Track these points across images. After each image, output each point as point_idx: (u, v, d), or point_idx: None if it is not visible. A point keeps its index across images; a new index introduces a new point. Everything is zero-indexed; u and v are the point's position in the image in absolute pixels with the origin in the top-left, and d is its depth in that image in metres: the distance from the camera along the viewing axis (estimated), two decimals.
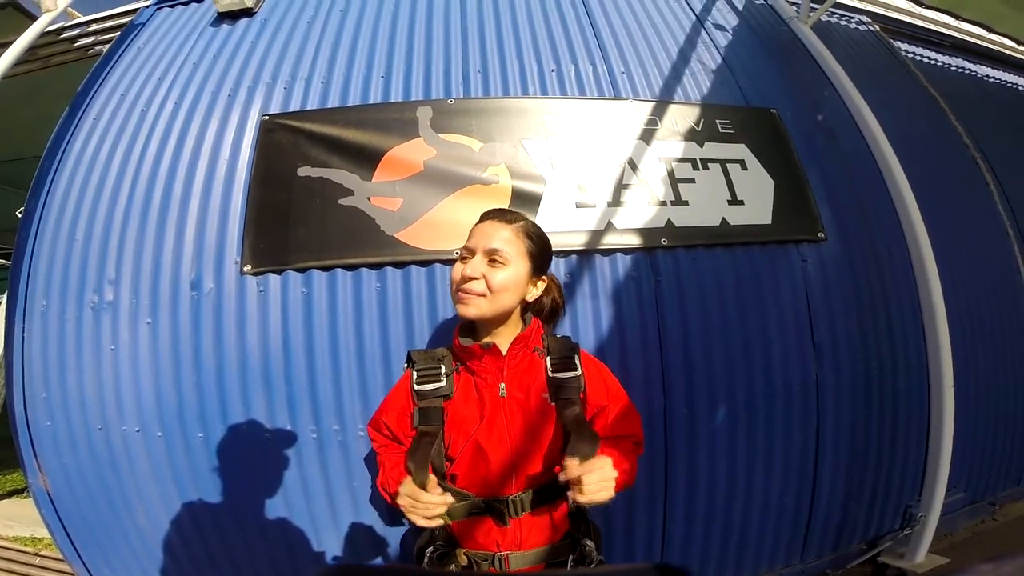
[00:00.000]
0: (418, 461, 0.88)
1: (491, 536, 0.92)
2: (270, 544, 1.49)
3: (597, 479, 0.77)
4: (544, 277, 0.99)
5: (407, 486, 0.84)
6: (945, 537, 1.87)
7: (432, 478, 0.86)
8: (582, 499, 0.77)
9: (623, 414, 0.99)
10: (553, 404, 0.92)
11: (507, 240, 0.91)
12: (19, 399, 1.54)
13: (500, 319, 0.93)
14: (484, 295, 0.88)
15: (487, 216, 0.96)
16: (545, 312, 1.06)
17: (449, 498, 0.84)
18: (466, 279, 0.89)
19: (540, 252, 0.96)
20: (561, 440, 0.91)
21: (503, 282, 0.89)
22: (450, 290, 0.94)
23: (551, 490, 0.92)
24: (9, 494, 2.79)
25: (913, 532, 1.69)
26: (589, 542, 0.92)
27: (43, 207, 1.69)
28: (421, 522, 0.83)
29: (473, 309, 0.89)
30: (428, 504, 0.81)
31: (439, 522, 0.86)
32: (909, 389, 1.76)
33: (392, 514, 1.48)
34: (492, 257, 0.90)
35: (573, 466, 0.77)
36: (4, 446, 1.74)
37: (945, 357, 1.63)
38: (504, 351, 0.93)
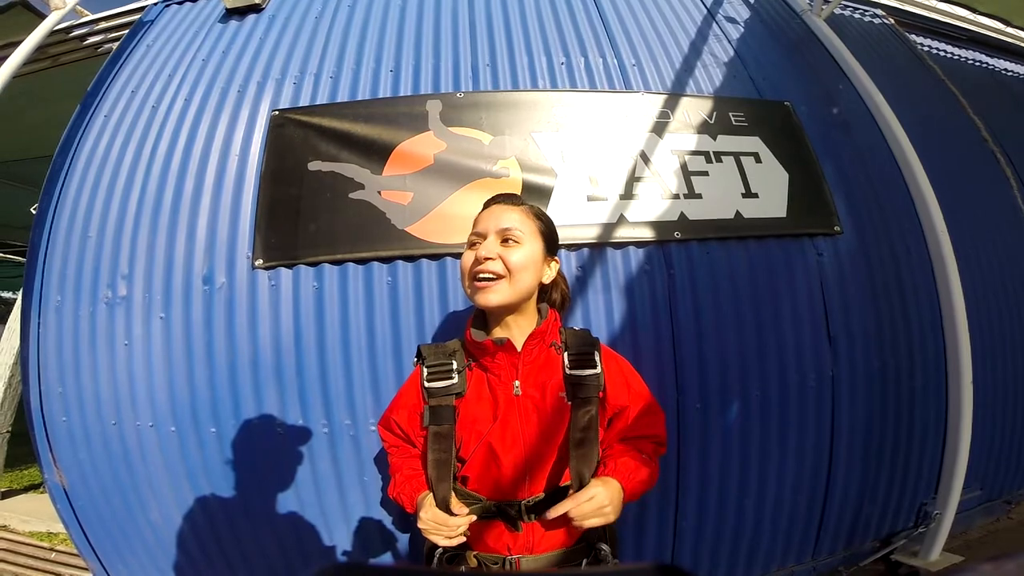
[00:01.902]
0: (439, 474, 0.86)
1: (502, 540, 0.89)
2: (282, 539, 1.49)
3: (588, 509, 0.79)
4: (556, 259, 0.96)
5: (429, 511, 0.82)
6: (960, 535, 1.85)
7: (454, 496, 0.85)
8: (577, 524, 0.79)
9: (644, 413, 0.95)
10: (570, 403, 0.88)
11: (518, 220, 0.88)
12: (35, 395, 1.55)
13: (517, 306, 0.89)
14: (504, 276, 0.84)
15: (492, 202, 0.93)
16: (556, 305, 1.01)
17: (473, 517, 0.83)
18: (481, 260, 0.84)
19: (550, 231, 0.93)
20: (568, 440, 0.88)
21: (521, 261, 0.85)
22: (462, 281, 0.90)
23: (566, 493, 0.87)
24: (25, 489, 2.82)
25: (928, 530, 1.66)
26: (604, 546, 0.88)
27: (56, 204, 1.70)
28: (443, 543, 0.81)
29: (495, 295, 0.84)
30: (452, 527, 0.80)
31: (462, 539, 0.83)
32: (926, 385, 1.73)
33: (403, 511, 1.47)
34: (506, 236, 0.86)
35: (567, 500, 0.80)
36: (20, 442, 1.75)
37: (964, 353, 1.60)
38: (519, 346, 0.88)
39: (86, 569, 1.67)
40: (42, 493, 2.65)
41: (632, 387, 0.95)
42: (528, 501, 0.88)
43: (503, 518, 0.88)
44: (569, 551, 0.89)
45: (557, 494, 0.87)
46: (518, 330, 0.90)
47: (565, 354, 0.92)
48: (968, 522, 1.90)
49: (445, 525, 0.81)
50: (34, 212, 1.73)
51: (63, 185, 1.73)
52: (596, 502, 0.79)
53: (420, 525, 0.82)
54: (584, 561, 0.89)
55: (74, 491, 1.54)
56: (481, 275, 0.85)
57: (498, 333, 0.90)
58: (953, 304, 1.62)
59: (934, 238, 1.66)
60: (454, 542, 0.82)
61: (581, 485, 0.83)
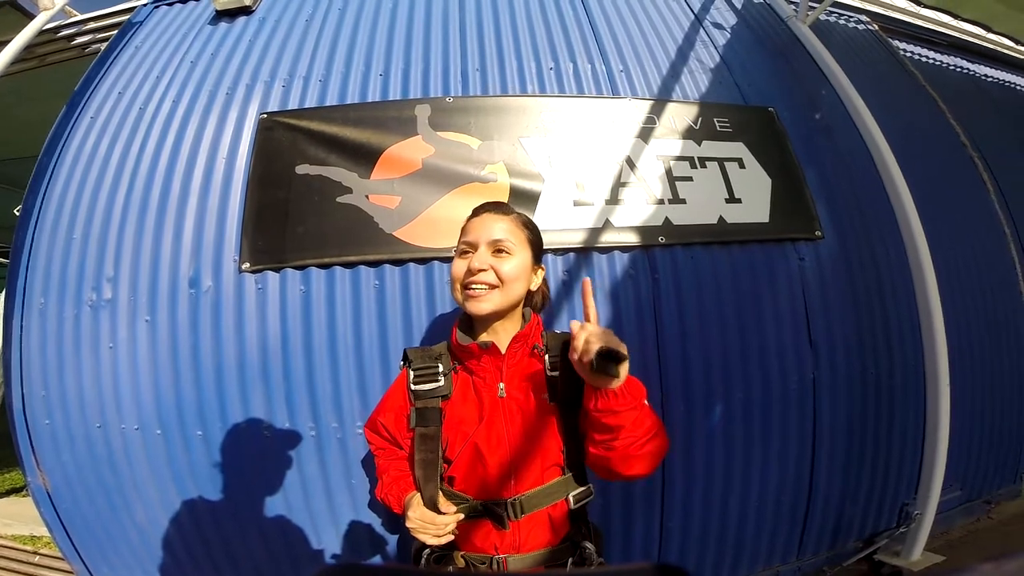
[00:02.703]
0: (426, 474, 0.87)
1: (489, 539, 0.90)
2: (269, 541, 1.49)
3: (595, 330, 0.73)
4: (543, 266, 0.98)
5: (417, 510, 0.84)
6: (941, 535, 1.88)
7: (441, 495, 0.87)
8: (578, 347, 0.73)
9: None
10: (553, 404, 0.90)
11: (508, 230, 0.90)
12: (18, 397, 1.54)
13: (506, 313, 0.91)
14: (497, 286, 0.87)
15: (481, 210, 0.94)
16: (538, 307, 1.03)
17: (460, 515, 0.85)
18: (474, 272, 0.86)
19: (537, 240, 0.96)
20: (561, 441, 0.89)
21: (512, 271, 0.88)
22: (451, 288, 0.92)
23: (551, 491, 0.90)
24: (8, 492, 2.78)
25: (909, 530, 1.69)
26: (589, 544, 0.90)
27: (41, 205, 1.69)
28: (432, 541, 0.82)
29: (487, 304, 0.86)
30: (440, 525, 0.82)
31: (450, 538, 0.84)
32: (905, 387, 1.77)
33: (391, 513, 1.48)
34: (497, 247, 0.88)
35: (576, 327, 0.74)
36: (3, 444, 1.73)
37: (941, 355, 1.64)
38: (503, 349, 0.90)
39: (70, 572, 1.65)
40: (24, 496, 2.62)
41: None
42: (522, 496, 0.88)
43: (490, 517, 0.90)
44: (555, 550, 0.90)
45: (556, 484, 0.89)
46: (504, 334, 0.92)
47: (546, 356, 0.93)
48: (949, 522, 1.94)
49: (433, 523, 0.82)
50: (18, 213, 1.71)
51: (48, 186, 1.71)
52: (598, 327, 0.74)
53: (409, 524, 0.84)
54: (569, 560, 0.90)
55: (58, 494, 1.53)
56: (474, 286, 0.86)
57: (483, 337, 0.92)
58: (930, 307, 1.65)
59: (912, 243, 1.70)
60: (443, 540, 0.83)
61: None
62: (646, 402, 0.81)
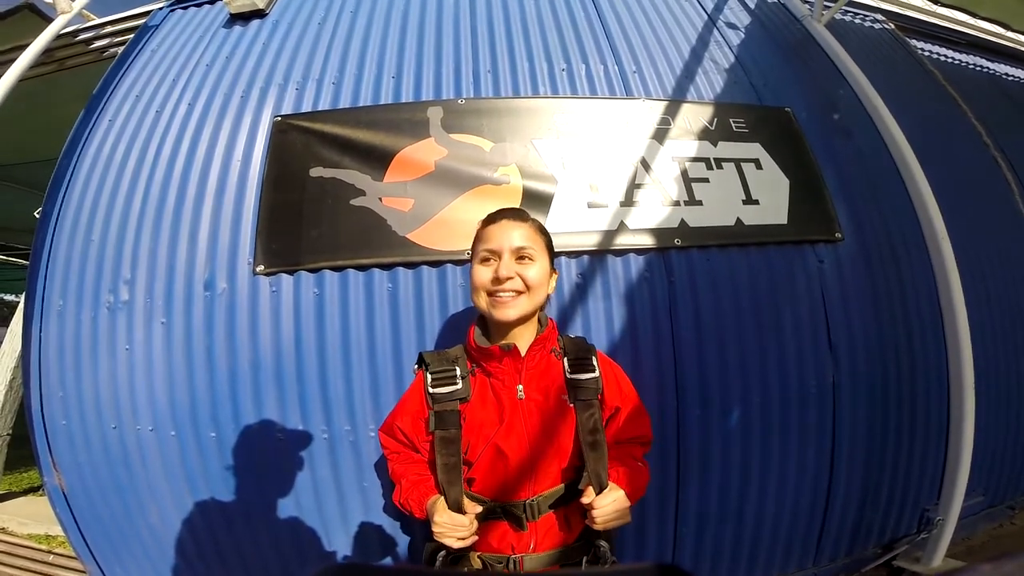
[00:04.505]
0: (450, 478, 0.88)
1: (506, 539, 0.92)
2: (280, 544, 1.49)
3: (612, 511, 0.84)
4: (555, 271, 1.00)
5: (444, 514, 0.85)
6: (963, 541, 1.84)
7: (465, 497, 0.88)
8: (596, 527, 0.85)
9: (633, 415, 1.00)
10: (572, 406, 0.92)
11: (529, 237, 0.92)
12: (36, 398, 1.56)
13: (528, 318, 0.93)
14: (523, 292, 0.89)
15: (499, 216, 0.95)
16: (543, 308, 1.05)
17: (478, 508, 0.87)
18: (502, 280, 0.88)
19: (551, 245, 0.98)
20: (579, 442, 0.91)
21: (538, 277, 0.90)
22: (473, 295, 0.92)
23: (568, 492, 0.92)
24: (24, 492, 2.82)
25: (930, 536, 1.66)
26: (603, 543, 0.92)
27: (60, 208, 1.71)
28: (457, 544, 0.83)
29: (514, 310, 0.88)
30: (466, 527, 0.83)
31: (474, 538, 0.85)
32: (928, 391, 1.73)
33: (404, 515, 1.47)
34: (520, 255, 0.90)
35: (589, 498, 0.85)
36: (20, 444, 1.76)
37: (965, 358, 1.60)
38: (522, 352, 0.92)
39: (84, 572, 1.66)
40: (41, 496, 2.65)
41: (623, 389, 1.00)
42: (540, 497, 0.91)
43: (508, 518, 0.92)
44: (570, 548, 0.93)
45: (572, 491, 0.91)
46: (522, 337, 0.94)
47: (565, 359, 0.96)
48: (971, 528, 1.89)
49: (461, 526, 0.84)
50: (38, 216, 1.74)
51: (67, 189, 1.73)
52: (619, 503, 0.85)
53: (436, 529, 0.84)
54: (584, 559, 0.92)
55: (73, 494, 1.54)
56: (501, 293, 0.88)
57: (502, 340, 0.93)
58: (955, 309, 1.62)
59: (935, 244, 1.67)
60: (468, 543, 0.84)
61: (600, 484, 0.87)
62: (640, 463, 0.98)
